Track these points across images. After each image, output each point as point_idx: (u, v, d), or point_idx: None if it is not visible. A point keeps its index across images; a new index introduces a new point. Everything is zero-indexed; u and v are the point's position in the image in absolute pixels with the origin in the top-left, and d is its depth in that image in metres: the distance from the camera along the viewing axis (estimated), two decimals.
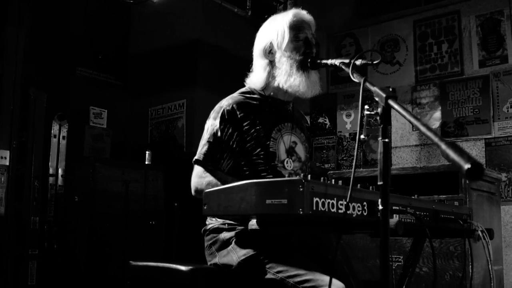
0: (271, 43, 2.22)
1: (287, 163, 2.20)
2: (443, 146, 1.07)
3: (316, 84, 2.20)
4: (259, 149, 2.16)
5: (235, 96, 2.25)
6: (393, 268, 3.01)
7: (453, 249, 2.95)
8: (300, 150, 2.29)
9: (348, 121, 5.46)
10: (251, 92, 2.28)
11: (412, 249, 2.09)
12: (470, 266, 2.64)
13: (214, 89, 5.21)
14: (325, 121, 5.60)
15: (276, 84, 2.22)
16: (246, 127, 2.15)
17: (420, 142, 5.00)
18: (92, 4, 5.62)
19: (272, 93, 2.26)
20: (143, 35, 6.04)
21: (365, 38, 5.52)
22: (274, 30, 2.22)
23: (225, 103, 2.19)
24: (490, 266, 1.93)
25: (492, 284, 1.97)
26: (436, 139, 1.11)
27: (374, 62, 1.83)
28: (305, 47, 2.19)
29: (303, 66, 2.16)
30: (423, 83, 5.09)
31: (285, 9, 5.44)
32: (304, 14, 2.26)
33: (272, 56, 2.22)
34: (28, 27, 4.14)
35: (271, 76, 2.23)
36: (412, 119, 1.25)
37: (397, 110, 1.33)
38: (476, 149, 4.70)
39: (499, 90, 4.67)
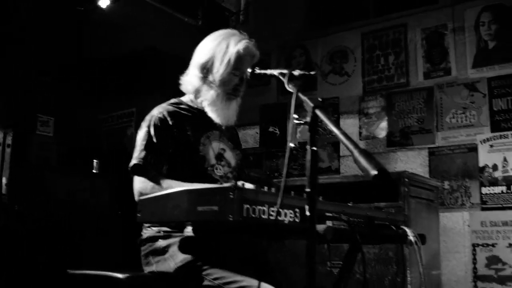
0: (212, 63, 2.29)
1: (216, 168, 2.30)
2: (356, 153, 1.12)
3: (233, 114, 2.36)
4: (189, 154, 2.24)
5: (164, 106, 2.33)
6: (335, 273, 3.06)
7: (392, 255, 3.04)
8: (229, 156, 2.39)
9: (298, 131, 5.53)
10: (179, 103, 2.38)
11: (346, 255, 2.14)
12: (407, 271, 2.72)
13: (166, 98, 5.18)
14: (275, 130, 5.66)
15: (200, 100, 2.34)
16: (176, 133, 2.24)
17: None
18: (42, 7, 5.52)
19: (198, 106, 2.36)
20: (95, 42, 5.95)
21: (315, 49, 5.62)
22: (221, 53, 2.27)
23: (156, 112, 2.28)
24: (421, 270, 2.00)
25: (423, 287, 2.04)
26: (350, 147, 1.16)
27: (311, 73, 1.90)
28: (237, 83, 2.31)
29: (227, 97, 2.31)
30: (371, 93, 5.20)
31: (237, 21, 5.48)
32: (253, 50, 2.31)
33: (207, 74, 2.31)
34: None
35: (199, 90, 2.34)
36: (333, 128, 1.30)
37: (322, 119, 1.39)
38: (420, 158, 4.82)
39: (442, 101, 4.81)
